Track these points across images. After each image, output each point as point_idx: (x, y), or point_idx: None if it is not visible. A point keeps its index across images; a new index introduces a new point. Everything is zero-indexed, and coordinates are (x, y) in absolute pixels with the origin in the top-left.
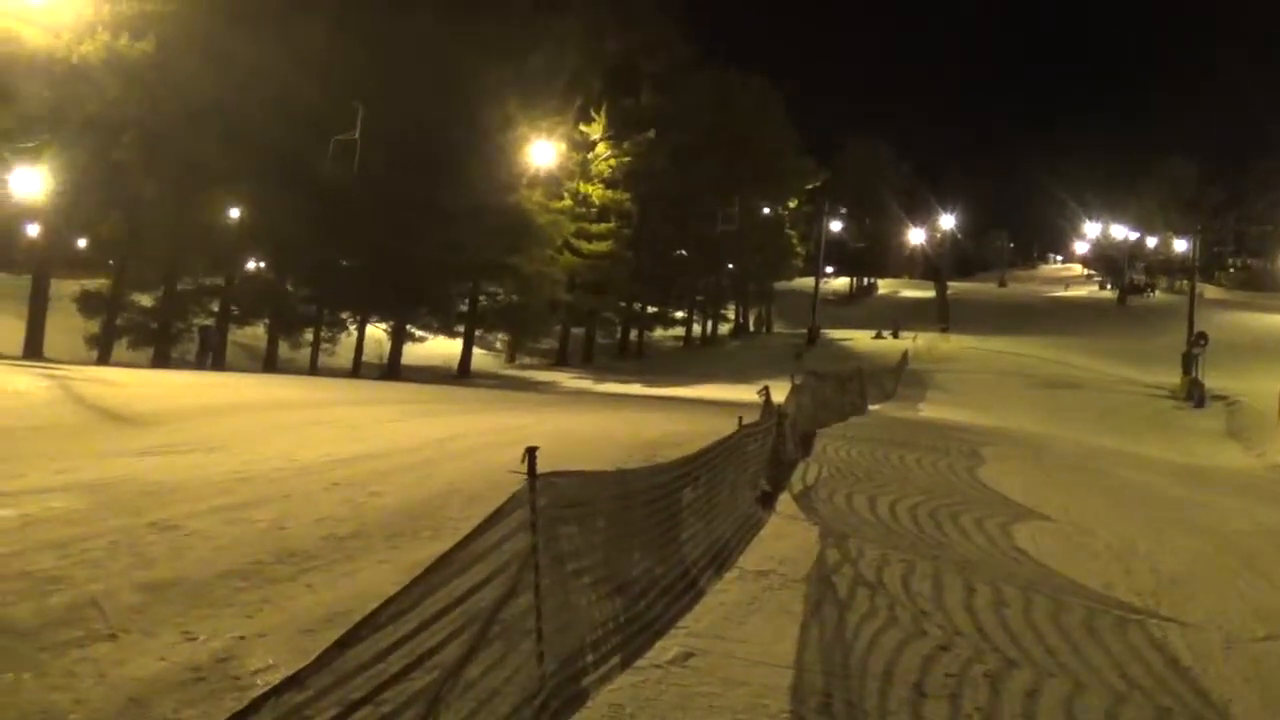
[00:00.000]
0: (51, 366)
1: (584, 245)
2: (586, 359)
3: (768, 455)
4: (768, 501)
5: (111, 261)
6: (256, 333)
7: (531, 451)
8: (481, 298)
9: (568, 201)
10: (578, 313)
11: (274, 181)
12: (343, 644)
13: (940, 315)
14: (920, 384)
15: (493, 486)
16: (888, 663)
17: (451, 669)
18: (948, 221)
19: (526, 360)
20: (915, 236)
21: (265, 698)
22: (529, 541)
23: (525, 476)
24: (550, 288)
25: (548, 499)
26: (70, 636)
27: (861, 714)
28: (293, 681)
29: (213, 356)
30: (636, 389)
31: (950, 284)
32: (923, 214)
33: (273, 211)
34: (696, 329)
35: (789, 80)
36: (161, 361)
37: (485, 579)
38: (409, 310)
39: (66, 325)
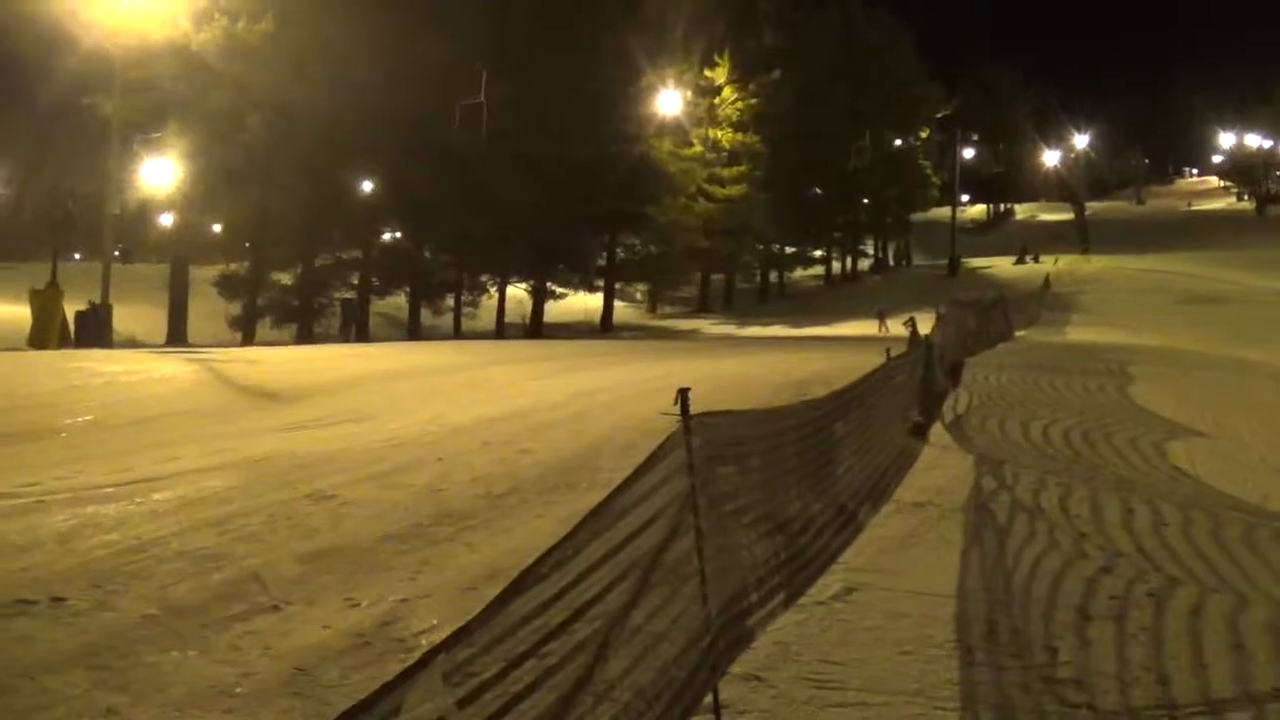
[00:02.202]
0: (196, 351)
1: (717, 190)
2: (728, 304)
3: (917, 386)
4: (920, 432)
5: (248, 243)
6: (398, 302)
7: (684, 392)
8: (619, 250)
9: (698, 148)
10: (716, 258)
11: (405, 150)
12: (507, 596)
13: (1080, 237)
14: (1064, 307)
15: (645, 435)
16: (1050, 587)
17: (616, 616)
18: (1081, 141)
19: (668, 310)
20: (1049, 158)
21: (434, 652)
22: (687, 484)
23: (678, 418)
24: (686, 235)
25: (703, 439)
26: (234, 611)
27: (1026, 639)
28: (461, 634)
29: (355, 329)
30: (780, 330)
31: (1087, 204)
32: (1056, 135)
33: (406, 181)
34: (836, 266)
35: (913, 7)
36: (305, 337)
37: (645, 524)
38: (548, 268)
39: (208, 309)
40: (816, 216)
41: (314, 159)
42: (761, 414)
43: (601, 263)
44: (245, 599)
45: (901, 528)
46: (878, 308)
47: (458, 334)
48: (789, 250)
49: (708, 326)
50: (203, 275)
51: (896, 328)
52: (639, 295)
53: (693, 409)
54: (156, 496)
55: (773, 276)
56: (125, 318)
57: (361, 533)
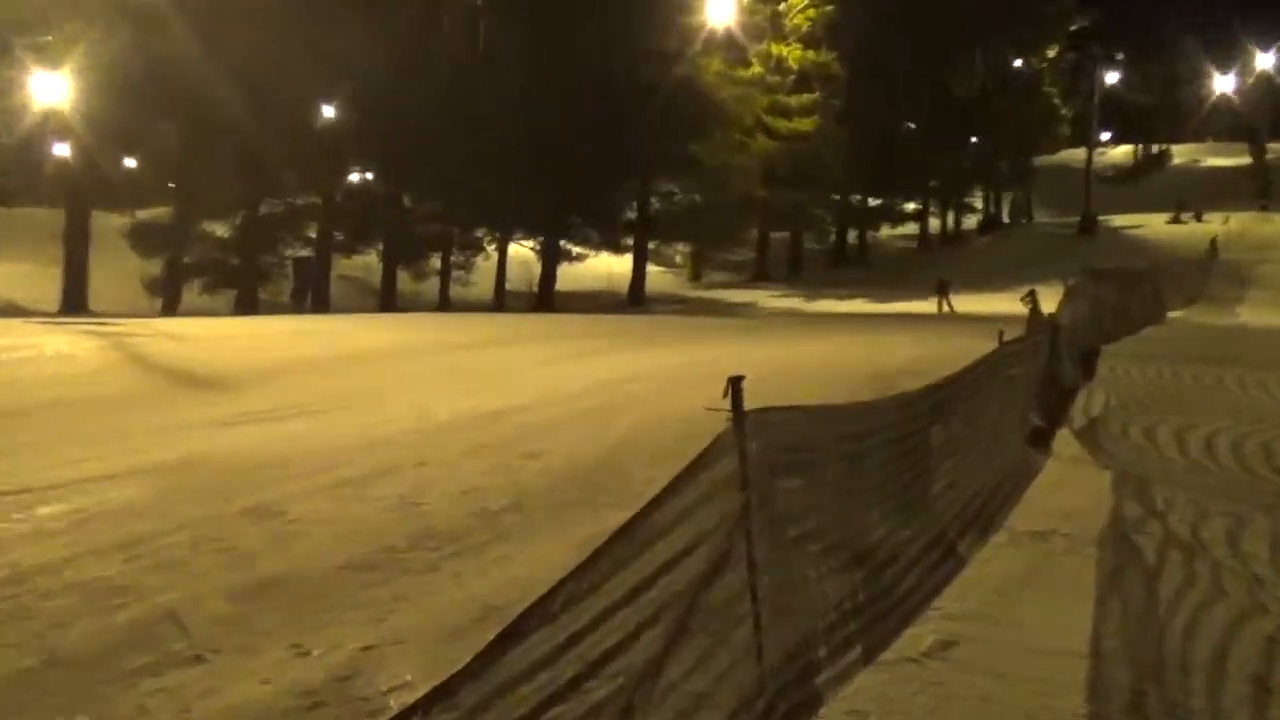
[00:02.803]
0: (101, 321)
1: (781, 124)
2: (794, 271)
3: (1038, 380)
4: (1041, 440)
5: (171, 184)
6: (368, 263)
7: (736, 382)
8: (653, 200)
9: (757, 69)
10: (779, 212)
11: (380, 68)
12: (505, 641)
13: (1259, 189)
14: (1237, 280)
15: (685, 437)
16: (1216, 649)
17: (644, 671)
18: (1264, 62)
19: (716, 277)
20: (1221, 85)
21: (407, 716)
22: (739, 500)
23: (729, 416)
24: (741, 181)
25: (761, 444)
26: (142, 662)
27: (1187, 716)
28: (442, 693)
29: (313, 296)
30: (860, 305)
31: (1269, 147)
32: (1228, 55)
33: (380, 106)
34: (934, 224)
35: None
36: (247, 306)
37: (683, 552)
38: (561, 222)
39: (118, 269)
40: (909, 159)
41: (258, 73)
42: (836, 412)
43: (631, 216)
44: (158, 646)
45: (1016, 565)
46: (939, 279)
47: (445, 305)
48: (872, 202)
49: (767, 299)
50: (110, 224)
51: (968, 306)
52: (678, 259)
53: (747, 403)
54: (43, 511)
55: (851, 236)
56: (4, 278)
57: (315, 559)
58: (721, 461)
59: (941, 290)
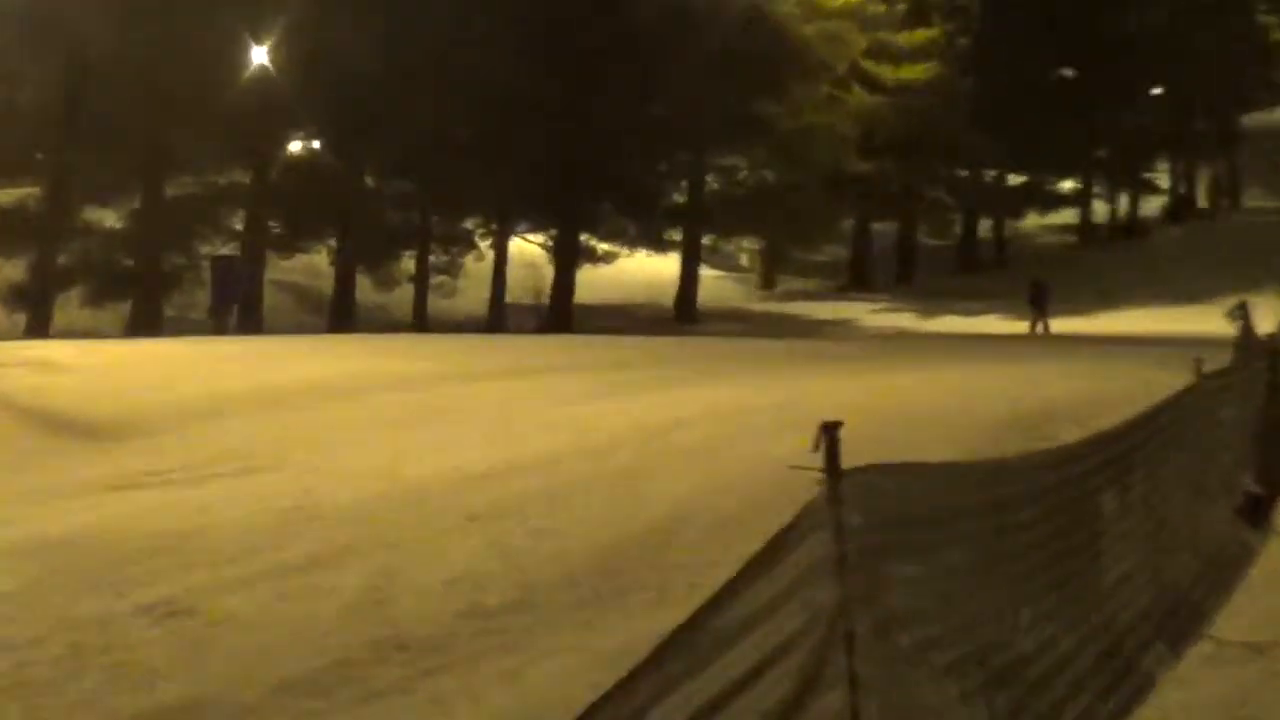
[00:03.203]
0: None
1: (886, 72)
2: (903, 276)
3: (1254, 430)
4: (1259, 512)
5: (40, 154)
6: (314, 265)
7: (831, 429)
8: (709, 179)
9: None
10: (882, 195)
11: None
12: None
13: None
14: None
15: (755, 506)
16: None
17: None
18: None
19: (796, 285)
20: None
21: None
22: (834, 595)
23: (820, 475)
24: (830, 151)
25: (865, 515)
26: None
27: None
28: None
29: (239, 310)
30: (995, 324)
31: None
32: None
33: (332, 47)
34: (1099, 210)
35: None
36: (146, 325)
37: (757, 668)
38: (584, 209)
39: None
40: (1065, 120)
41: (158, 8)
42: (968, 471)
43: (678, 201)
44: None
45: (1226, 689)
46: (1032, 281)
47: (421, 322)
48: (1013, 180)
49: (866, 315)
50: None
51: (1147, 325)
52: (744, 259)
53: (846, 458)
54: None
55: (983, 228)
56: None
57: (240, 678)
58: (809, 540)
59: (1037, 298)
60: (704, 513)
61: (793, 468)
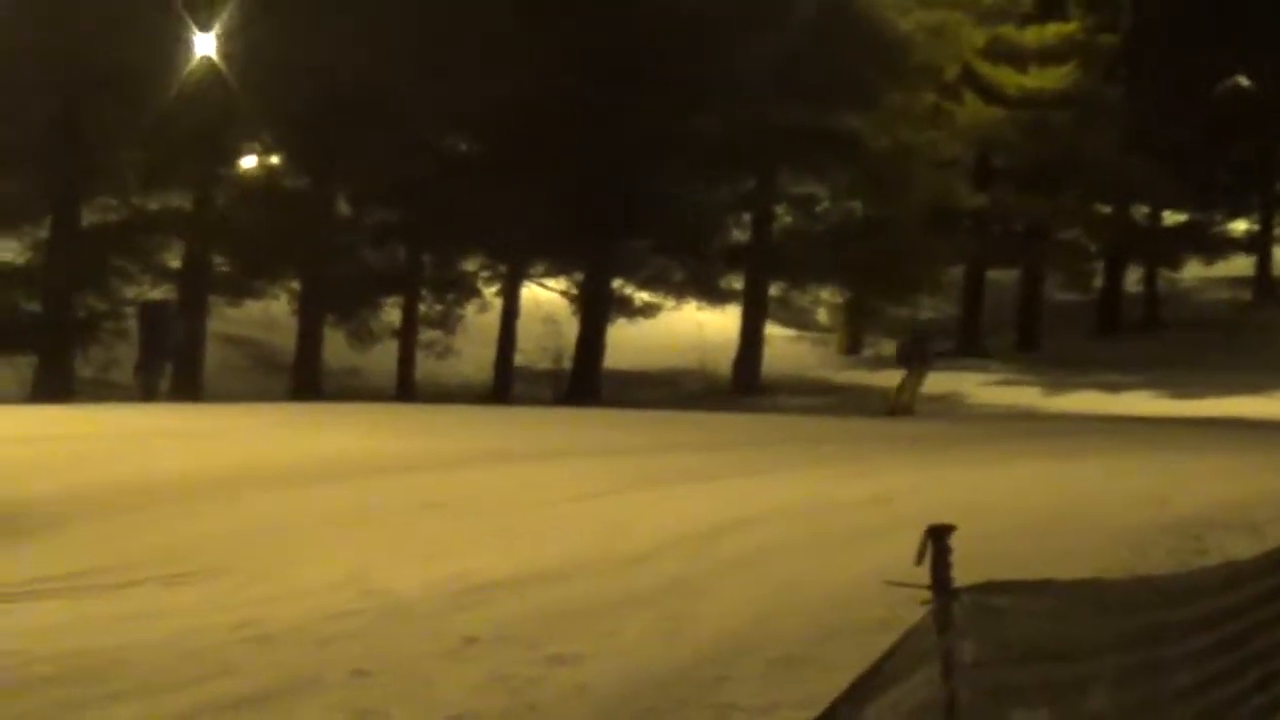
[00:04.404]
0: None
1: (1009, 77)
2: (1026, 340)
3: None
4: None
5: None
6: (273, 313)
7: (938, 535)
8: (779, 211)
9: None
10: (1001, 235)
11: None
12: None
13: None
14: None
15: (831, 630)
16: None
17: None
18: None
19: (887, 349)
20: None
21: None
22: None
23: (926, 594)
24: (935, 178)
25: (980, 643)
26: None
27: None
28: None
29: (174, 370)
30: (1144, 403)
31: None
32: None
33: (292, 37)
34: None
35: None
36: (56, 386)
37: None
38: (617, 248)
39: None
40: (1238, 142)
41: None
42: (1110, 591)
43: (739, 238)
44: None
45: None
46: (913, 330)
47: (407, 390)
48: (1170, 218)
49: (978, 389)
50: None
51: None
52: (821, 315)
53: (958, 574)
54: None
55: (1130, 279)
56: None
57: None
58: (911, 679)
59: (910, 355)
60: (767, 640)
61: (890, 583)
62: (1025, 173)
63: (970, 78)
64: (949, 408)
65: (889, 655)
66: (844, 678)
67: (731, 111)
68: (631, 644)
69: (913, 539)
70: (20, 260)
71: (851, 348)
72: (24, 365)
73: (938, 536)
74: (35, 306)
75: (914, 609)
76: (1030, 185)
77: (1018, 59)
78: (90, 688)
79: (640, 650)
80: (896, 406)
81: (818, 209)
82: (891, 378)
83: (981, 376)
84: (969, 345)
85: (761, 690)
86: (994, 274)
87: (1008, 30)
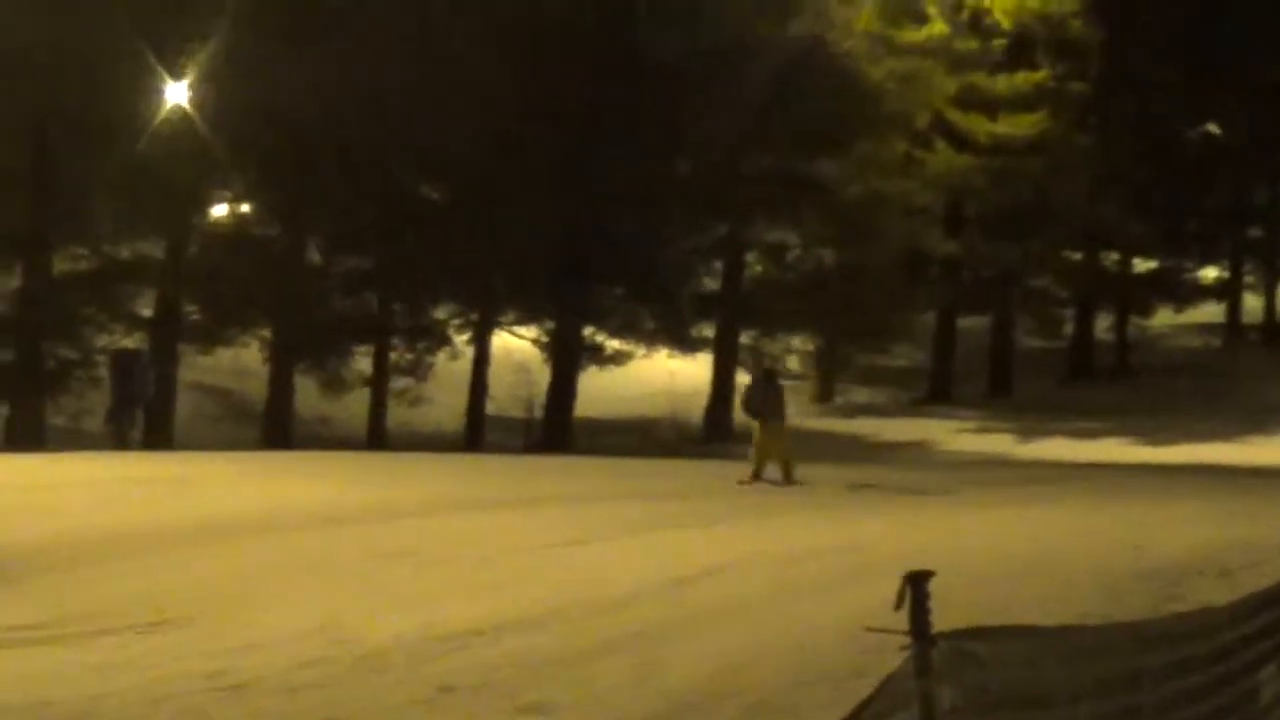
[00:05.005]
0: None
1: (980, 125)
2: (997, 387)
3: None
4: None
5: None
6: (243, 361)
7: (917, 581)
8: (749, 259)
9: (938, 26)
10: (971, 282)
11: (264, 12)
12: None
13: None
14: None
15: (809, 676)
16: None
17: None
18: None
19: (859, 397)
20: None
21: None
22: None
23: (904, 640)
24: (906, 226)
25: (958, 689)
26: None
27: None
28: None
29: (144, 418)
30: (1115, 449)
31: None
32: None
33: (266, 82)
34: (1252, 305)
35: None
36: (26, 434)
37: None
38: (588, 296)
39: None
40: (1207, 189)
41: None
42: (1087, 637)
43: (711, 286)
44: None
45: None
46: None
47: (378, 438)
48: (1140, 265)
49: (950, 436)
50: None
51: None
52: (793, 363)
53: (936, 619)
54: None
55: (1100, 326)
56: None
57: None
58: None
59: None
60: (743, 687)
61: (869, 630)
62: (996, 220)
63: (941, 125)
64: (923, 456)
65: (869, 701)
66: None
67: (703, 158)
68: (606, 692)
69: (884, 586)
70: None
71: (822, 395)
72: None
73: (916, 582)
74: (7, 355)
75: (885, 656)
76: (1001, 232)
77: (989, 107)
78: None
79: (615, 698)
80: (788, 474)
81: (789, 257)
82: (866, 425)
83: (954, 424)
84: (940, 393)
85: None
86: (965, 321)
87: (979, 78)
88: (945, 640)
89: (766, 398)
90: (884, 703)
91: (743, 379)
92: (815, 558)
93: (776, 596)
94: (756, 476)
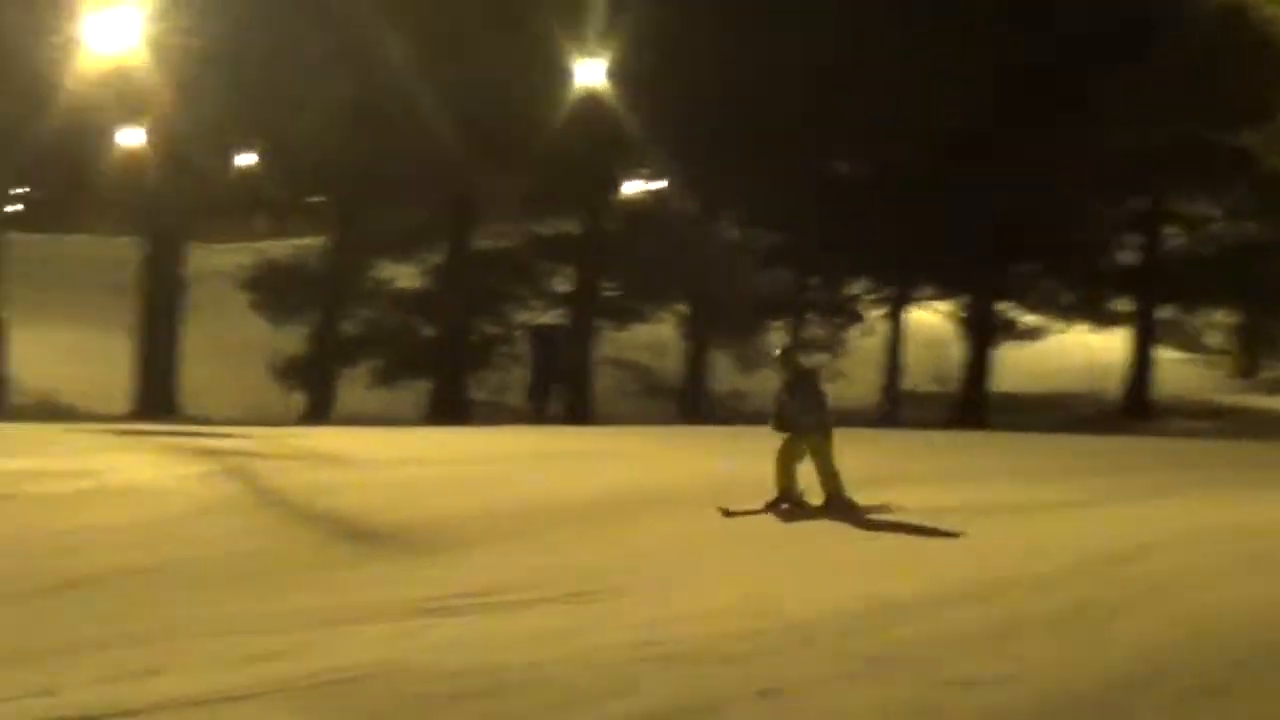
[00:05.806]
0: (201, 431)
1: None
2: None
3: None
4: None
5: (322, 198)
6: (659, 337)
7: None
8: (1170, 232)
9: None
10: None
11: None
12: None
13: None
14: None
15: (1245, 658)
16: None
17: None
18: None
19: None
20: None
21: None
22: None
23: None
24: None
25: None
26: None
27: None
28: None
29: (562, 393)
30: None
31: None
32: None
33: (681, 60)
34: None
35: None
36: (450, 409)
37: None
38: (1004, 273)
39: (230, 346)
40: None
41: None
42: None
43: (1129, 259)
44: None
45: None
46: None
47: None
48: None
49: None
50: (214, 263)
51: None
52: (1214, 338)
53: None
54: None
55: None
56: (47, 351)
57: None
58: None
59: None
60: (1181, 668)
61: None
62: None
63: None
64: None
65: None
66: (1263, 709)
67: (1122, 129)
68: (1038, 668)
69: None
70: (415, 285)
71: (1245, 371)
72: (419, 389)
73: None
74: (430, 330)
75: None
76: None
77: None
78: (492, 703)
79: (1047, 675)
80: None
81: (1211, 229)
82: None
83: None
84: None
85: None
86: None
87: None
88: None
89: (805, 403)
90: None
91: (1165, 354)
92: (1250, 536)
93: (1212, 575)
94: (785, 499)
